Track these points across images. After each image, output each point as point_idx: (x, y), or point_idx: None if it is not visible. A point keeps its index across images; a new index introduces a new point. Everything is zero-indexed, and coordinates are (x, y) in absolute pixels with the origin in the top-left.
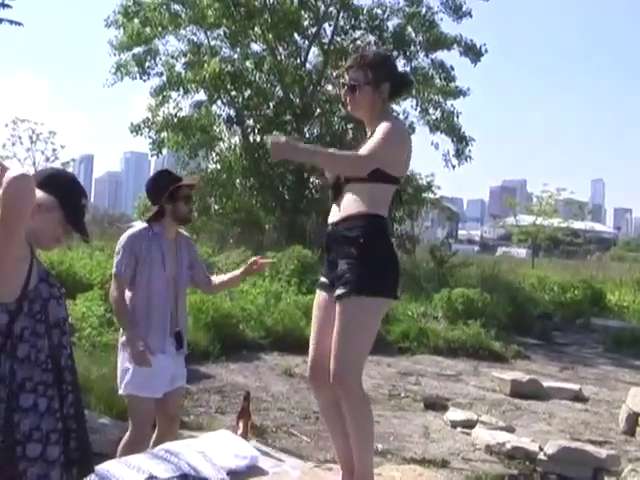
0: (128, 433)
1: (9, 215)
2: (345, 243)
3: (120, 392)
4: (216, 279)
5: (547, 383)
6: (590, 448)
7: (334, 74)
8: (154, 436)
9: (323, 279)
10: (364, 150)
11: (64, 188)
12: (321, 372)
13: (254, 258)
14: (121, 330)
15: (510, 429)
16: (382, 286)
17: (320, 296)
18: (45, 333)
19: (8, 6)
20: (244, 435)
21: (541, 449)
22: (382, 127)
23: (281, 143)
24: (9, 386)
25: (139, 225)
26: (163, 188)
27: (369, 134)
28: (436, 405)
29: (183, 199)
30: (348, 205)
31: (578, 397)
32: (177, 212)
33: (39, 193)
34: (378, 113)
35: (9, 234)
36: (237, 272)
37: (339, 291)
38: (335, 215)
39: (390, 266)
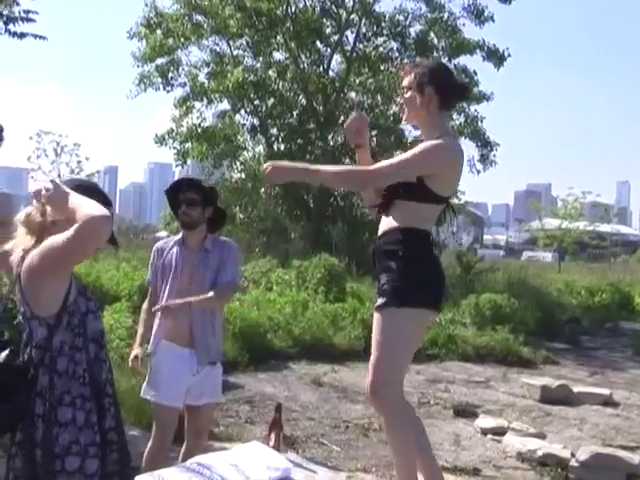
0: (150, 442)
1: (78, 250)
2: (385, 257)
3: (141, 394)
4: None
5: (577, 388)
6: (622, 454)
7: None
8: (182, 450)
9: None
10: (376, 164)
11: (98, 197)
12: None
13: None
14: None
15: (541, 435)
16: (420, 298)
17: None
18: (83, 347)
19: (32, 20)
20: (276, 447)
21: (573, 455)
22: (422, 144)
23: (278, 166)
24: (48, 400)
25: (174, 237)
26: (168, 197)
27: None
28: (466, 412)
29: (183, 204)
30: (390, 221)
31: (609, 402)
32: (179, 218)
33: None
34: (425, 120)
35: (68, 265)
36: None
37: (377, 302)
38: (381, 228)
39: (430, 278)
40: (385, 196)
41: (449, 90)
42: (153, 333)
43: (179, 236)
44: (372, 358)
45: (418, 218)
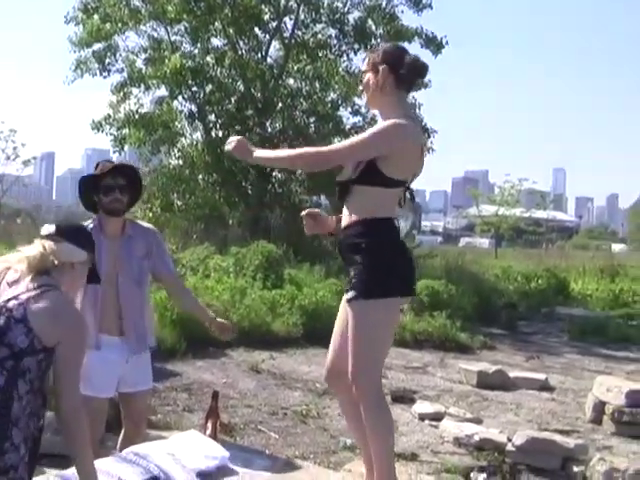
0: None
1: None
2: (350, 251)
3: None
4: (187, 296)
5: (513, 373)
6: (558, 438)
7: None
8: (120, 438)
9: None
10: (331, 145)
11: (91, 242)
12: (339, 374)
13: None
14: None
15: (478, 420)
16: (388, 288)
17: (343, 299)
18: (38, 392)
19: None
20: (213, 435)
21: (509, 440)
22: (378, 124)
23: (242, 143)
24: None
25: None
26: (82, 184)
27: None
28: (404, 398)
29: (102, 189)
30: (352, 211)
31: (544, 387)
32: (100, 204)
33: (81, 253)
34: (387, 103)
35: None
36: (211, 316)
37: (348, 295)
38: (343, 220)
39: (397, 266)
40: (340, 183)
41: (404, 68)
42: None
43: (90, 223)
44: (350, 350)
45: (376, 205)
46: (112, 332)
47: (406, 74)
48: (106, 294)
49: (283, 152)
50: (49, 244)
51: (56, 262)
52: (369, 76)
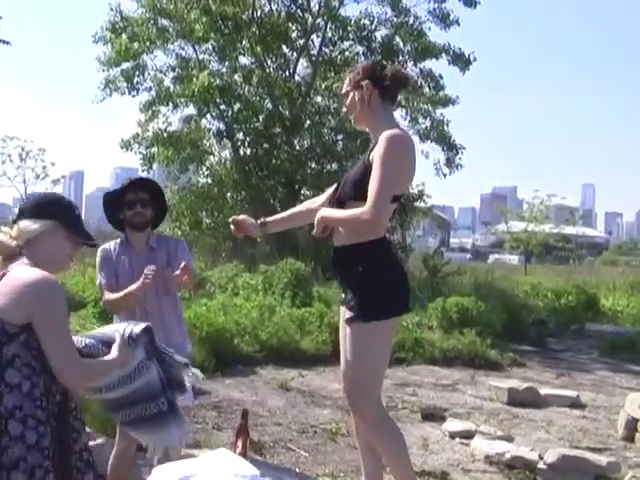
0: (114, 451)
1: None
2: (347, 272)
3: None
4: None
5: (544, 390)
6: (590, 455)
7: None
8: (113, 452)
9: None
10: (367, 206)
11: (56, 207)
12: None
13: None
14: None
15: (509, 438)
16: (386, 310)
17: (341, 311)
18: (42, 371)
19: None
20: (243, 453)
21: (541, 458)
22: (377, 158)
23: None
24: None
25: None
26: (106, 201)
27: (372, 142)
28: (434, 416)
29: (126, 205)
30: (344, 233)
31: (576, 404)
32: (125, 219)
33: (35, 223)
34: (370, 116)
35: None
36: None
37: (347, 315)
38: (337, 239)
39: (393, 286)
40: (338, 200)
41: (387, 80)
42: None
43: (116, 240)
44: (347, 372)
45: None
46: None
47: (390, 86)
48: (141, 309)
49: (338, 216)
50: (5, 229)
51: (20, 243)
52: (353, 95)
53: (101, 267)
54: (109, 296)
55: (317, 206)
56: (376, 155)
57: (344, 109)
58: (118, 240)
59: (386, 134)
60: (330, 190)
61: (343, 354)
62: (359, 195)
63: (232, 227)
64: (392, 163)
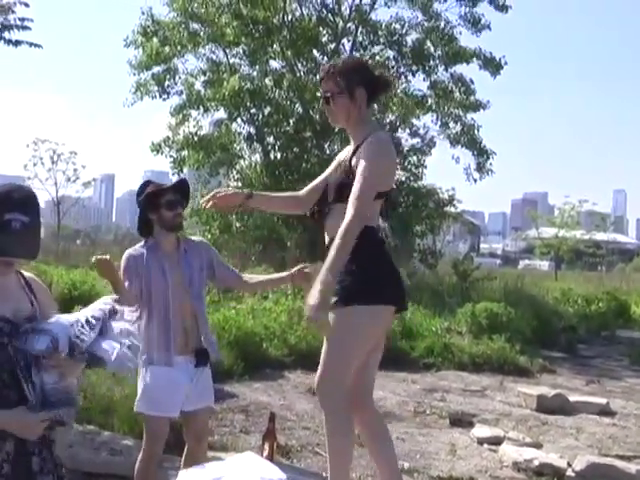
0: (141, 453)
1: None
2: None
3: (134, 409)
4: (253, 278)
5: (573, 397)
6: (619, 463)
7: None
8: (183, 457)
9: None
10: (349, 211)
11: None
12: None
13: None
14: (141, 349)
15: (537, 445)
16: (370, 295)
17: None
18: None
19: (27, 28)
20: (270, 457)
21: (569, 465)
22: (365, 157)
23: (317, 303)
24: None
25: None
26: (147, 198)
27: (352, 144)
28: (462, 421)
29: (165, 205)
30: (335, 226)
31: (605, 411)
32: (162, 220)
33: None
34: (357, 120)
35: None
36: (283, 274)
37: (332, 299)
38: (329, 232)
39: (380, 275)
40: (320, 204)
41: (376, 86)
42: (144, 344)
43: (144, 243)
44: (323, 352)
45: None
46: (180, 350)
47: (377, 92)
48: (176, 308)
49: (336, 252)
50: None
51: None
52: (344, 98)
53: (125, 273)
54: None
55: (302, 194)
56: (363, 157)
57: (329, 106)
58: (142, 244)
59: (372, 139)
60: (315, 182)
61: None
62: (342, 198)
63: (209, 202)
64: (376, 165)
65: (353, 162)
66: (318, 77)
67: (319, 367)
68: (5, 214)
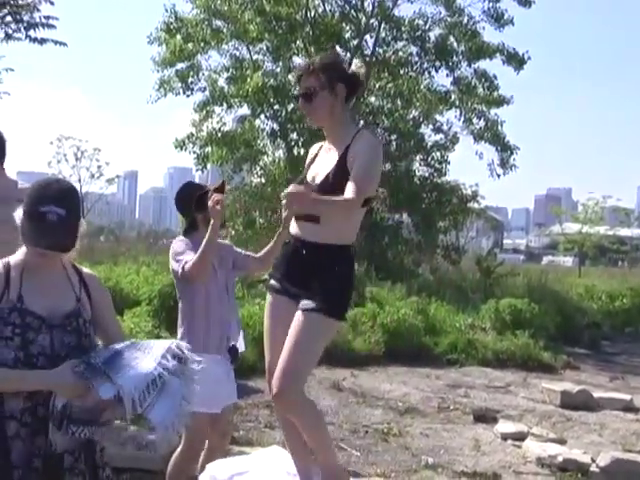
0: (180, 448)
1: None
2: (322, 269)
3: None
4: (260, 253)
5: (597, 393)
6: None
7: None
8: (204, 452)
9: (275, 283)
10: (351, 190)
11: (26, 200)
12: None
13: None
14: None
15: (561, 441)
16: (343, 312)
17: (276, 299)
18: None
19: (52, 26)
20: None
21: (593, 461)
22: (363, 153)
23: (300, 193)
24: None
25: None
26: (189, 198)
27: (331, 141)
28: (486, 417)
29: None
30: (327, 232)
31: (629, 407)
32: (209, 218)
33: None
34: (339, 118)
35: None
36: (279, 230)
37: (307, 305)
38: (312, 234)
39: (350, 293)
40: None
41: (354, 85)
42: (188, 339)
43: (190, 241)
44: (284, 364)
45: (349, 228)
46: (218, 347)
47: (356, 91)
48: (222, 302)
49: (332, 201)
50: None
51: None
52: (325, 96)
53: (185, 251)
54: (191, 258)
55: None
56: (362, 153)
57: (306, 101)
58: (188, 241)
59: (369, 136)
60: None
61: (273, 344)
62: (333, 193)
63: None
64: (376, 165)
65: (349, 160)
66: (294, 77)
67: (282, 372)
68: (40, 206)
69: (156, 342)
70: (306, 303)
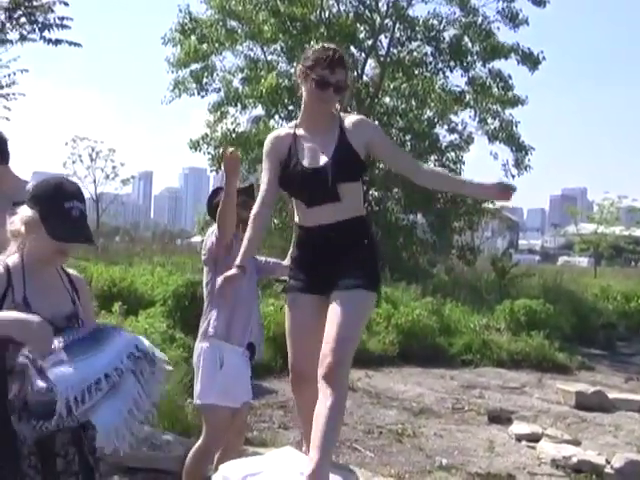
0: (200, 442)
1: None
2: (353, 244)
3: (199, 402)
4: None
5: (612, 394)
6: None
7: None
8: (197, 447)
9: (297, 282)
10: (412, 159)
11: (42, 197)
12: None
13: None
14: (198, 341)
15: (576, 442)
16: (379, 285)
17: (300, 298)
18: None
19: (67, 27)
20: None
21: (608, 462)
22: (373, 129)
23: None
24: None
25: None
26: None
27: (310, 127)
28: (500, 418)
29: (240, 205)
30: (347, 208)
31: None
32: (239, 219)
33: (22, 212)
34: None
35: None
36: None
37: (349, 282)
38: (336, 214)
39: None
40: (333, 181)
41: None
42: (212, 327)
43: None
44: (338, 334)
45: (360, 200)
46: (235, 342)
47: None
48: (249, 296)
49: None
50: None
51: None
52: (345, 93)
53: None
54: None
55: (269, 207)
56: (379, 136)
57: (328, 92)
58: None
59: (364, 119)
60: (268, 185)
61: (299, 343)
62: (348, 178)
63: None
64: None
65: (354, 142)
66: (326, 58)
67: (337, 348)
68: (65, 202)
69: (118, 336)
70: (346, 282)
